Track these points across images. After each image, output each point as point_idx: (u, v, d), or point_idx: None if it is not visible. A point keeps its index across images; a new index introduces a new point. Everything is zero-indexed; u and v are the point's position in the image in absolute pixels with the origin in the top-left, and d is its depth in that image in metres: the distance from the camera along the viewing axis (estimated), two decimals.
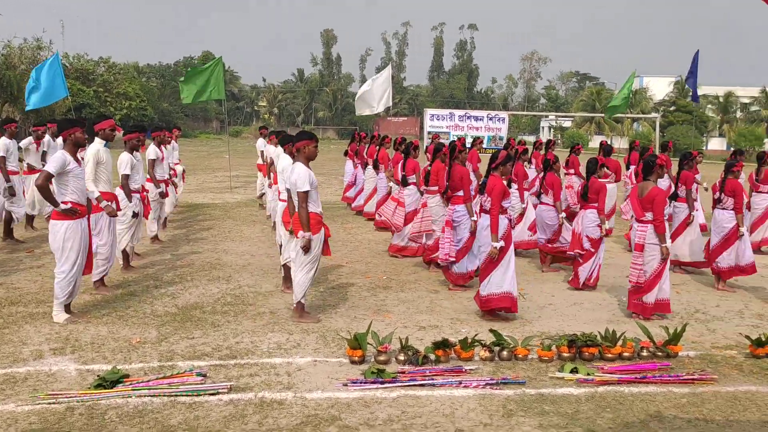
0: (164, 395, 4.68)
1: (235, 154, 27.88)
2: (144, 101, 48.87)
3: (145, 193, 8.73)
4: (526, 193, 10.11)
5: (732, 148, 41.62)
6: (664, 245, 6.85)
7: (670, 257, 7.07)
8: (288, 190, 6.56)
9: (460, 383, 5.02)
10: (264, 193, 13.39)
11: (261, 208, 14.23)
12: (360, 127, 63.75)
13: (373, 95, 18.68)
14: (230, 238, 11.17)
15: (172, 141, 13.41)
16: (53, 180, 6.23)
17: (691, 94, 21.41)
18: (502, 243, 6.65)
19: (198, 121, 69.06)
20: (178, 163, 13.92)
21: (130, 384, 4.79)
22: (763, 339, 5.81)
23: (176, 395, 4.69)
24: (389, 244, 10.16)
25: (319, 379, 5.09)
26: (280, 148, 8.44)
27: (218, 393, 4.74)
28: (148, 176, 9.64)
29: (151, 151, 10.04)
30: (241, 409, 4.54)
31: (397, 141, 11.96)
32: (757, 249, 10.29)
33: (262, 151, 14.15)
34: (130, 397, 4.64)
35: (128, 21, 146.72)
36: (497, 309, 6.82)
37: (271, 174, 10.50)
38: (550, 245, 9.26)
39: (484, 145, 21.09)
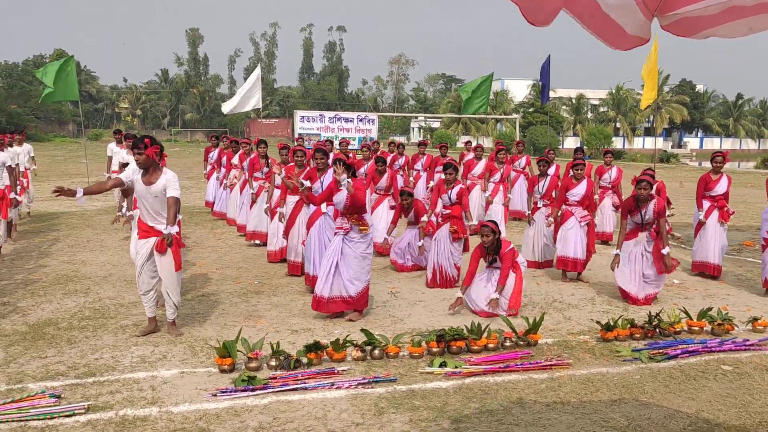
0: (13, 420, 4.31)
1: (94, 159, 26.28)
2: None
3: None
4: None
5: (585, 147, 44.85)
6: None
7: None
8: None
9: (333, 385, 5.03)
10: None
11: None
12: (230, 129, 62.31)
13: (243, 97, 18.51)
14: (89, 248, 10.50)
15: (24, 145, 13.39)
16: None
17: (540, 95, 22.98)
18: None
19: (52, 124, 64.38)
20: (28, 169, 13.43)
21: None
22: (612, 324, 6.29)
23: (27, 419, 4.34)
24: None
25: (186, 392, 4.90)
26: (124, 151, 8.11)
27: (74, 414, 4.44)
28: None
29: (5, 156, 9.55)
30: (101, 429, 4.27)
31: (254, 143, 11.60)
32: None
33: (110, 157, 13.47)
34: None
35: None
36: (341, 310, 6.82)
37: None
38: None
39: (355, 147, 21.30)
